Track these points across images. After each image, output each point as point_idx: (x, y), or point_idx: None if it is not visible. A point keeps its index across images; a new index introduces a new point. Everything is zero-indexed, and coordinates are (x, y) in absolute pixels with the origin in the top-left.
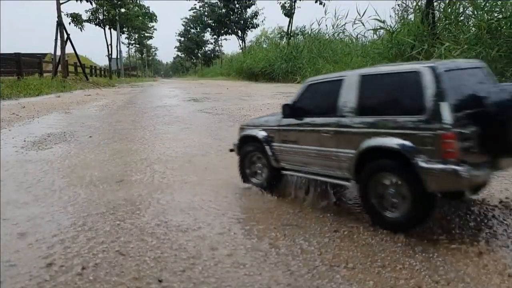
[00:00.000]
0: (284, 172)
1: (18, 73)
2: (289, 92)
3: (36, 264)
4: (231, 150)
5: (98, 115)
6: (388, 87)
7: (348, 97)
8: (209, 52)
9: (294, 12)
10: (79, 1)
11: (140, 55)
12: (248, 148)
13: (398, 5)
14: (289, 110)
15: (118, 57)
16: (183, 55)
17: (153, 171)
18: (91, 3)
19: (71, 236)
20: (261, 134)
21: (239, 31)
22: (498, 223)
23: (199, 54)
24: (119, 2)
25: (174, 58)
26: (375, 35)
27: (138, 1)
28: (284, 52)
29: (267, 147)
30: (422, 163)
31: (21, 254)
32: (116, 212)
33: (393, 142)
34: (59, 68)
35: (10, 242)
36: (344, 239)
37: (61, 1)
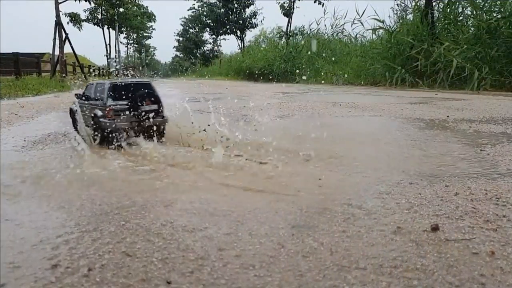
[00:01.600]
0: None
1: (17, 73)
2: (289, 92)
3: (41, 266)
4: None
5: None
6: (100, 89)
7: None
8: (208, 52)
9: (293, 12)
10: (77, 1)
11: (138, 55)
12: (73, 115)
13: (397, 4)
14: (79, 97)
15: (117, 57)
16: (181, 55)
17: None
18: (89, 3)
19: (75, 237)
20: (75, 107)
21: (238, 31)
22: (508, 222)
23: (197, 54)
24: (117, 2)
25: (173, 58)
26: (374, 35)
27: (136, 1)
28: (283, 52)
29: (76, 115)
30: (102, 119)
31: (25, 255)
32: (120, 212)
33: (97, 111)
34: (58, 68)
35: (13, 243)
36: (353, 239)
37: (59, 1)
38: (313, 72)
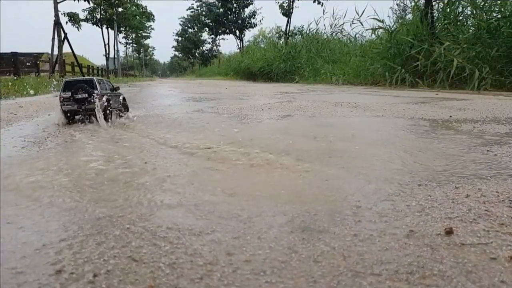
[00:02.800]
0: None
1: (15, 73)
2: (288, 91)
3: (45, 271)
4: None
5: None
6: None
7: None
8: (206, 51)
9: (292, 12)
10: (76, 0)
11: (137, 55)
12: None
13: (397, 4)
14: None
15: (116, 56)
16: (180, 54)
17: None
18: (88, 2)
19: (79, 241)
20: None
21: (237, 31)
22: None
23: (196, 54)
24: (116, 2)
25: (172, 57)
26: (373, 34)
27: (135, 1)
28: (282, 52)
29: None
30: (65, 107)
31: (28, 260)
32: (124, 215)
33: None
34: (57, 68)
35: (15, 247)
36: (366, 243)
37: (58, 0)
38: (312, 72)
